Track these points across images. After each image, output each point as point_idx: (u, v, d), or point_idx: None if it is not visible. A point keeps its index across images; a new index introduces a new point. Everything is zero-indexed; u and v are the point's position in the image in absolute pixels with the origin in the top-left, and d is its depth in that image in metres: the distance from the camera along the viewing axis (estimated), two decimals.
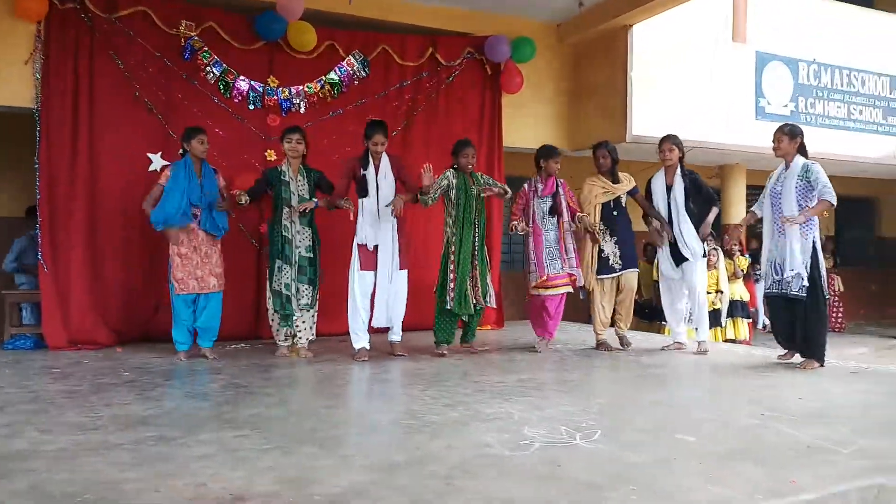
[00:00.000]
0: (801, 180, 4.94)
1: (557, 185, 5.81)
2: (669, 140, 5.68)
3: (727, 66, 8.53)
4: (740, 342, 8.29)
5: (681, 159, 5.70)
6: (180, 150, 5.34)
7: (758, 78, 8.87)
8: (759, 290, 11.37)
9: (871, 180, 11.94)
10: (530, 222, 5.74)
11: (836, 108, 9.55)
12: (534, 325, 6.02)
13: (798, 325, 5.02)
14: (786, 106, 9.11)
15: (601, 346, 5.95)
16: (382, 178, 5.34)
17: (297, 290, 5.40)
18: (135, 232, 6.04)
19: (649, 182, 5.89)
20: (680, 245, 5.66)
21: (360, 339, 5.43)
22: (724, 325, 8.44)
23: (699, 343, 5.80)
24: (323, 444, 2.98)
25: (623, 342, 6.01)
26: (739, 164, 9.72)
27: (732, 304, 8.62)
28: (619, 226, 5.84)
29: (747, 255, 9.67)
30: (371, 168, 5.35)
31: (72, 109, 5.89)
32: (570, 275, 5.75)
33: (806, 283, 4.90)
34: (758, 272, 11.10)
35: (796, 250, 4.91)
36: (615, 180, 5.86)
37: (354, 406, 3.73)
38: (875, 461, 2.77)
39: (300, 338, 5.52)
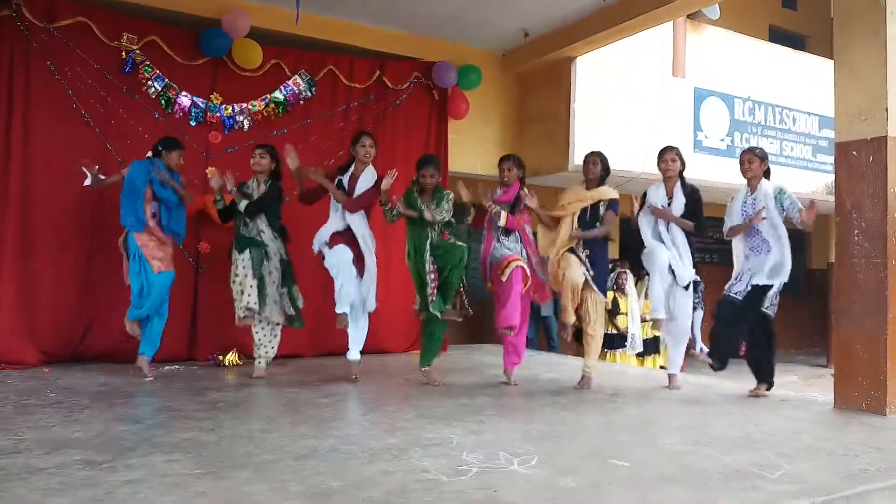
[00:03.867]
0: (777, 203, 5.01)
1: (519, 194, 5.32)
2: (672, 150, 5.37)
3: (667, 100, 8.81)
4: None
5: (681, 172, 5.37)
6: (149, 153, 5.37)
7: (696, 112, 9.18)
8: (697, 318, 11.68)
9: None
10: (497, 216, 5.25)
11: (769, 144, 9.94)
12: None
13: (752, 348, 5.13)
14: (722, 140, 9.44)
15: (584, 379, 5.39)
16: (361, 188, 5.28)
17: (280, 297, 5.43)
18: (69, 250, 5.85)
19: (645, 193, 5.49)
20: (673, 264, 5.25)
21: (342, 305, 5.19)
22: (661, 352, 8.63)
23: (670, 377, 5.51)
24: (257, 470, 2.92)
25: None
26: None
27: None
28: (593, 243, 5.28)
29: None
30: (349, 175, 5.33)
31: (5, 120, 5.67)
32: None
33: (774, 302, 5.02)
34: (695, 301, 11.39)
35: (784, 263, 4.97)
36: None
37: (291, 431, 3.67)
38: (799, 485, 2.86)
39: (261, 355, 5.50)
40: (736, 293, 5.08)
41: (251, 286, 5.26)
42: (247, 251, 5.30)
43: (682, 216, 5.27)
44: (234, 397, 4.71)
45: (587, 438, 3.70)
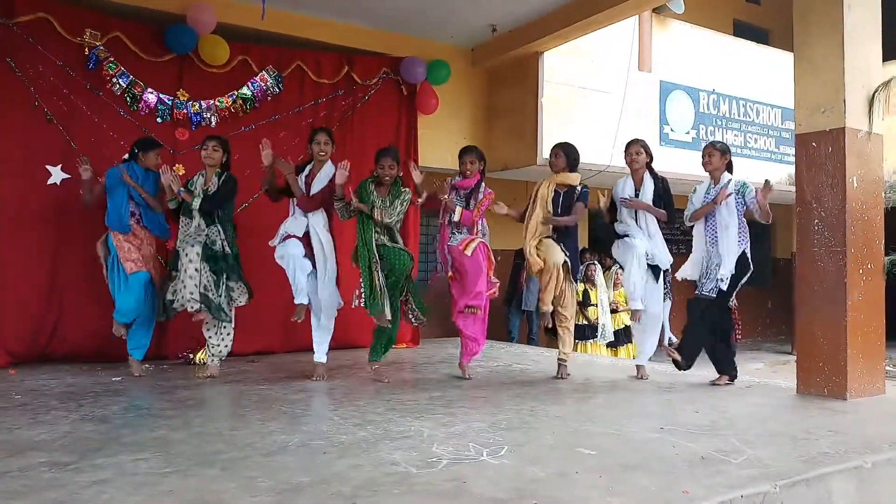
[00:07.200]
0: (738, 196, 5.05)
1: (479, 185, 5.34)
2: (637, 143, 5.41)
3: (633, 94, 8.89)
4: None
5: (649, 164, 5.39)
6: (126, 156, 5.38)
7: (662, 106, 9.29)
8: (666, 307, 11.84)
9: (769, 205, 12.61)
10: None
11: (733, 136, 10.10)
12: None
13: (707, 339, 5.13)
14: (688, 133, 9.56)
15: (562, 368, 5.44)
16: (317, 187, 5.18)
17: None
18: (34, 250, 5.76)
19: (615, 188, 5.49)
20: (650, 251, 5.28)
21: (300, 296, 5.10)
22: (633, 341, 8.73)
23: (639, 368, 5.57)
24: (226, 467, 2.92)
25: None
26: None
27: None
28: (564, 234, 5.36)
29: None
30: (306, 173, 5.23)
31: None
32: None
33: (721, 285, 4.99)
34: (664, 290, 11.52)
35: (730, 256, 4.98)
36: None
37: (261, 427, 3.66)
38: (762, 470, 2.93)
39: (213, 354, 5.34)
40: (709, 291, 5.07)
41: (190, 279, 5.01)
42: (191, 248, 5.06)
43: (656, 202, 5.30)
44: (203, 395, 4.68)
45: (556, 428, 3.74)
